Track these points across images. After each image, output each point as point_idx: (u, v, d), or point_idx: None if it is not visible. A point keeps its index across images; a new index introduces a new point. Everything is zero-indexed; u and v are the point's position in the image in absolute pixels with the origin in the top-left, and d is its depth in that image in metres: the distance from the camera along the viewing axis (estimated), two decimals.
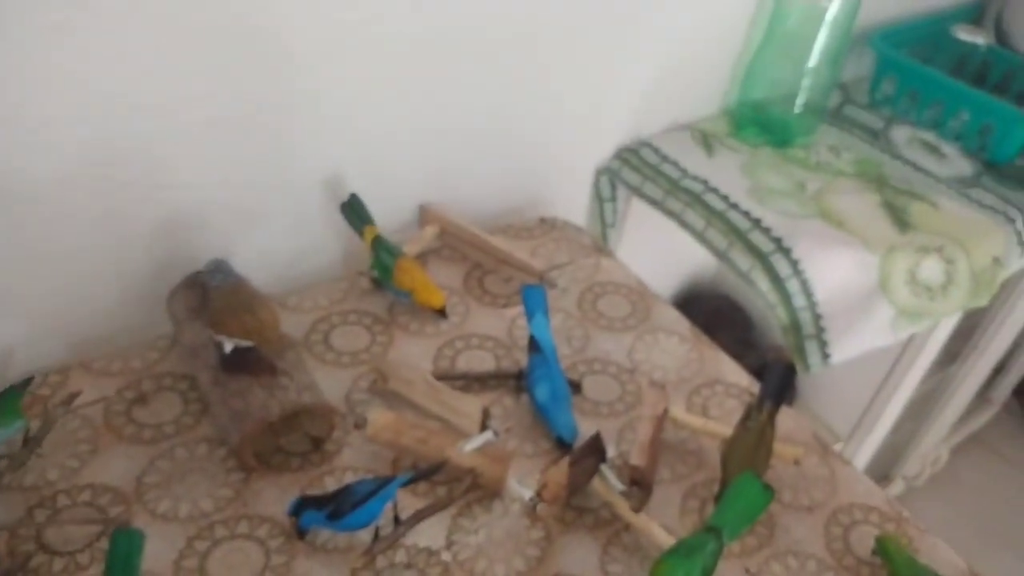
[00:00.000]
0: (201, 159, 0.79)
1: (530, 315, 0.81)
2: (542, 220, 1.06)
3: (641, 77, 1.11)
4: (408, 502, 0.70)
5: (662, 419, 0.78)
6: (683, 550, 0.64)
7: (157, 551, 0.65)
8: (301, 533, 0.67)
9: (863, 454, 1.42)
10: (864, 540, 0.74)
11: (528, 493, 0.63)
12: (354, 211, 0.88)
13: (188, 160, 0.78)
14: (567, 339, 0.90)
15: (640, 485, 0.71)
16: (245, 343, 0.68)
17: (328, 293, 0.90)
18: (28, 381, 0.66)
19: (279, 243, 0.90)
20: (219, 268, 0.73)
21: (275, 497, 0.70)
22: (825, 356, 1.05)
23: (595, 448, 0.72)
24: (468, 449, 0.68)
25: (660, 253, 1.28)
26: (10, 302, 0.76)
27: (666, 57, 1.11)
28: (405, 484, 0.65)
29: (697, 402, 0.86)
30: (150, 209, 0.78)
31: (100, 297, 0.81)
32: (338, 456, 0.75)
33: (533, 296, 0.82)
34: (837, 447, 1.41)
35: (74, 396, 0.69)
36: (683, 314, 0.97)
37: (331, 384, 0.80)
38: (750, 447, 0.74)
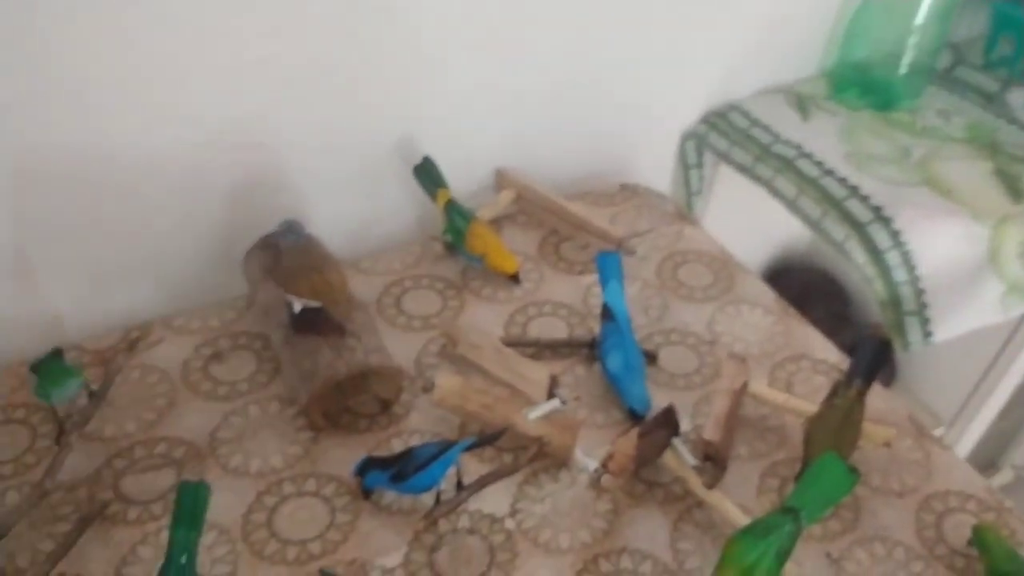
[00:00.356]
0: (276, 119, 0.79)
1: (604, 282, 0.79)
2: (623, 186, 1.03)
3: (730, 37, 1.06)
4: (474, 468, 0.69)
5: (741, 393, 0.74)
6: (758, 529, 0.60)
7: (228, 504, 0.66)
8: (366, 493, 0.67)
9: (967, 440, 1.33)
10: (959, 529, 0.69)
11: (593, 464, 0.61)
12: (427, 174, 0.87)
13: (263, 120, 0.79)
14: (644, 308, 0.87)
15: (714, 461, 0.68)
16: (314, 303, 0.68)
17: (401, 257, 0.90)
18: (59, 351, 0.68)
19: (353, 206, 0.90)
20: (291, 229, 0.73)
21: (343, 457, 0.70)
22: (927, 334, 0.98)
23: (668, 420, 0.69)
24: (533, 416, 0.67)
25: (750, 222, 1.22)
26: (96, 261, 0.79)
27: (757, 15, 1.05)
28: (467, 449, 0.64)
29: (781, 377, 0.81)
30: (225, 169, 0.79)
31: (180, 256, 0.82)
32: (406, 419, 0.74)
33: (608, 263, 0.79)
34: (937, 431, 1.32)
35: (135, 342, 0.70)
36: (773, 287, 0.92)
37: (401, 347, 0.80)
38: (836, 426, 0.69)
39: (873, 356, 0.72)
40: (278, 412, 0.74)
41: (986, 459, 1.54)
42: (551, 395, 0.69)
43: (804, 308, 0.90)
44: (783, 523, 0.60)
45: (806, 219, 1.01)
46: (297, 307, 0.68)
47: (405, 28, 0.81)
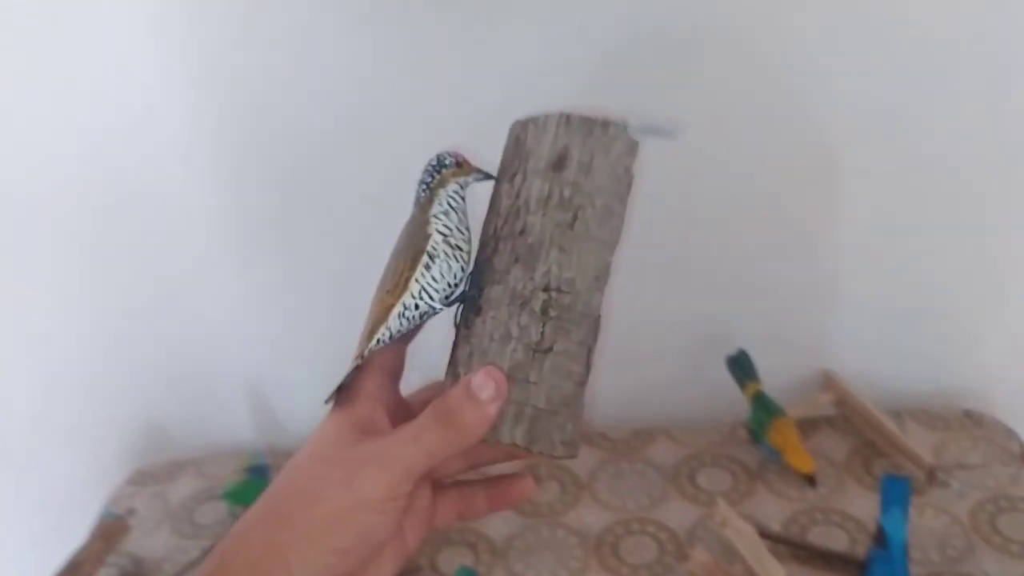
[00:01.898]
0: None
1: (885, 506, 0.78)
2: (966, 413, 0.98)
3: None
4: None
5: None
6: None
7: None
8: None
9: None
10: None
11: None
12: (740, 366, 0.95)
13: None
14: (942, 546, 0.83)
15: None
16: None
17: (708, 434, 0.98)
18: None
19: (675, 379, 1.02)
20: None
21: None
22: None
23: None
24: None
25: None
26: None
27: None
28: None
29: None
30: None
31: None
32: None
33: (893, 487, 0.79)
34: None
35: None
36: None
37: (682, 516, 0.89)
38: None
39: None
40: None
41: None
42: None
43: None
44: None
45: None
46: None
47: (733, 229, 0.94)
